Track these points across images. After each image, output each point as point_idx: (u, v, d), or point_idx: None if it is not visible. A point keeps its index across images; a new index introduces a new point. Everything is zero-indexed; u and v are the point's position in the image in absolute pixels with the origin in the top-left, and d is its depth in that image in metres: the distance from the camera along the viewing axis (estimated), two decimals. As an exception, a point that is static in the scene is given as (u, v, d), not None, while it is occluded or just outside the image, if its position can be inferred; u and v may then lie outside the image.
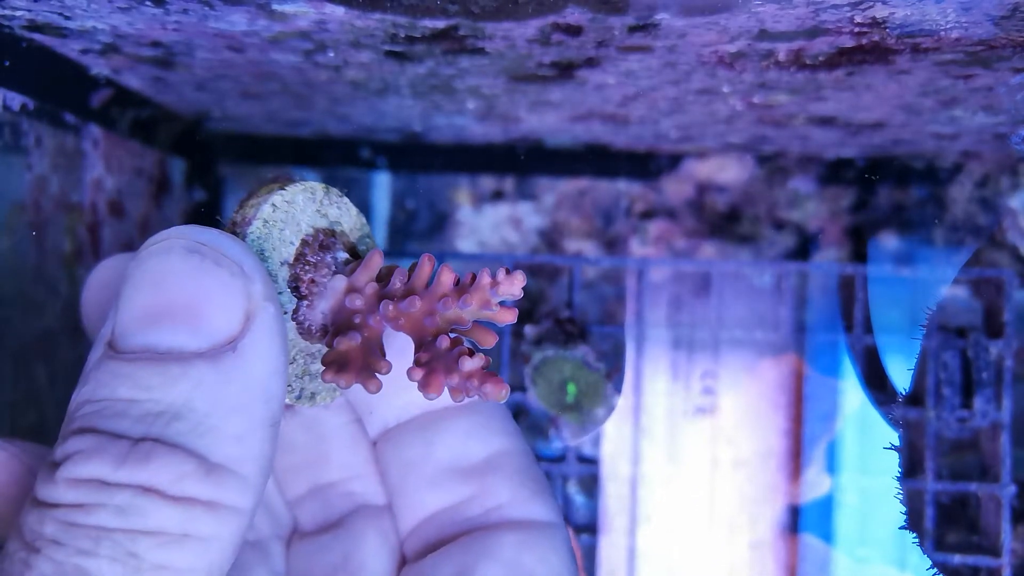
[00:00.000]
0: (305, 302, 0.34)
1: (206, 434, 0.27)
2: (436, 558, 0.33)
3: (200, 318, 0.28)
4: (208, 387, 0.27)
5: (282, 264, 0.33)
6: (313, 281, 0.33)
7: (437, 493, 0.34)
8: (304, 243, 0.33)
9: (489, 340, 0.32)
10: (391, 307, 0.32)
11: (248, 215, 0.33)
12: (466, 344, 0.32)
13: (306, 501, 0.36)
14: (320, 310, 0.34)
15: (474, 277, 0.32)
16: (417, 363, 0.31)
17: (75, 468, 0.26)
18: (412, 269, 0.33)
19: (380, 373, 0.32)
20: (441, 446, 0.34)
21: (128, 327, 0.28)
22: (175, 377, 0.27)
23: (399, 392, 0.35)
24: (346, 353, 0.32)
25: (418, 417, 0.35)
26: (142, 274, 0.28)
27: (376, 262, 0.33)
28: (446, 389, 0.31)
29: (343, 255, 0.34)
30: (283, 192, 0.33)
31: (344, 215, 0.35)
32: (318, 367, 0.34)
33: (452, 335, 0.32)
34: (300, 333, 0.34)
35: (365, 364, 0.32)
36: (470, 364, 0.30)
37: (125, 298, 0.28)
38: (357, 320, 0.33)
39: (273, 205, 0.33)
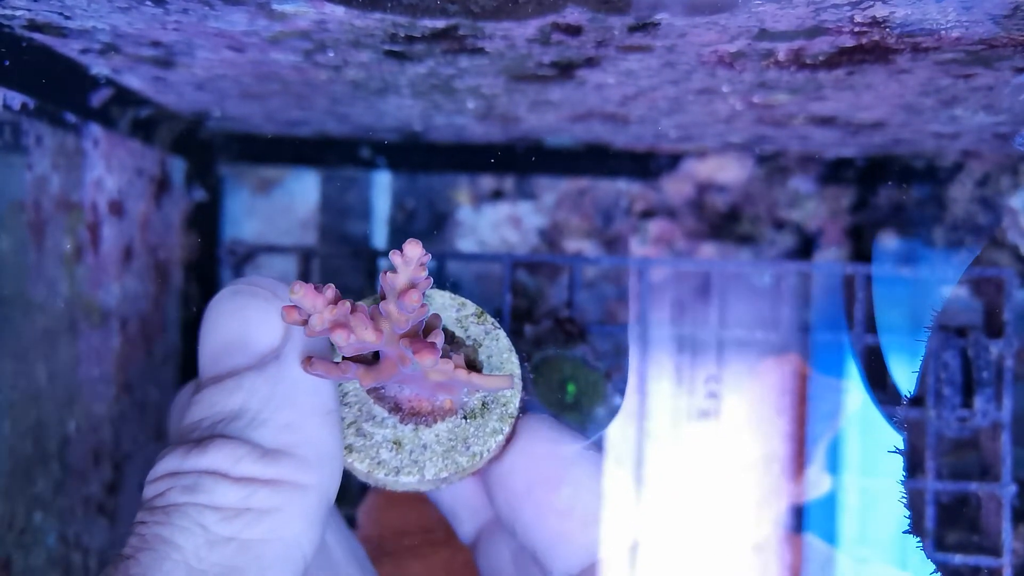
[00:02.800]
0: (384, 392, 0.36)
1: (260, 427, 0.31)
2: None
3: (247, 340, 0.33)
4: (258, 391, 0.32)
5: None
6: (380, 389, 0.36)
7: None
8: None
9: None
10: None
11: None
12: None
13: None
14: (402, 392, 0.36)
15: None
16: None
17: (153, 472, 0.31)
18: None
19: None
20: None
21: (203, 370, 0.34)
22: (231, 390, 0.32)
23: (576, 549, 0.37)
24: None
25: (593, 565, 0.37)
26: (204, 326, 0.34)
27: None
28: None
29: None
30: (432, 291, 0.38)
31: (485, 338, 0.37)
32: (371, 430, 0.36)
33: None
34: (370, 393, 0.36)
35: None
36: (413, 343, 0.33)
37: (201, 347, 0.34)
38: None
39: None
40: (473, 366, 0.36)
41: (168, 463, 0.31)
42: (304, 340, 0.33)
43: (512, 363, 0.37)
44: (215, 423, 0.31)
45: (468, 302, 0.37)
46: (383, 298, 0.33)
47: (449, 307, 0.37)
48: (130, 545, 0.29)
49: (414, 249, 0.32)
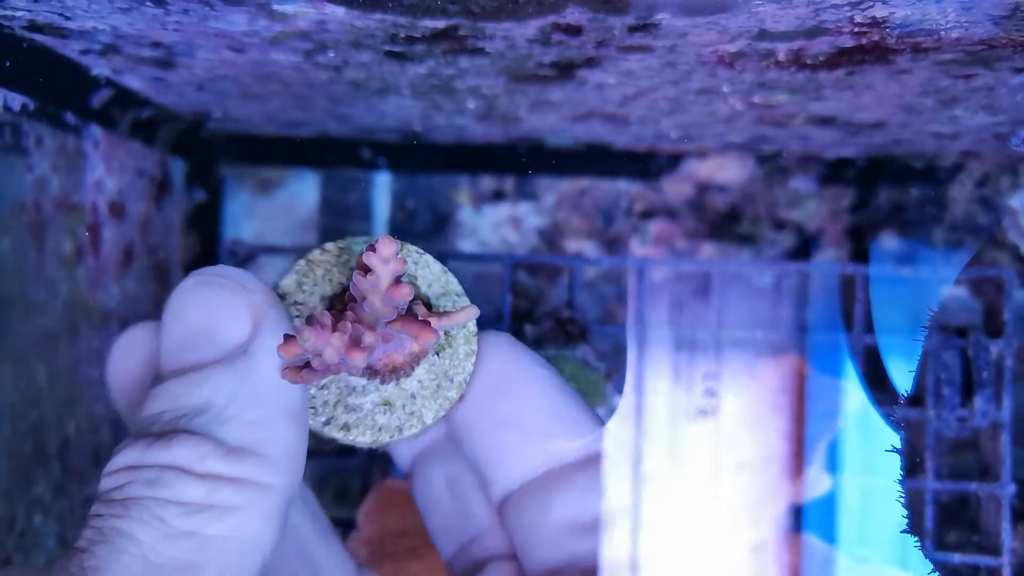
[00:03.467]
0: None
1: (225, 423, 0.30)
2: None
3: (214, 333, 0.32)
4: (224, 386, 0.31)
5: (322, 299, 0.36)
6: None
7: (557, 550, 0.36)
8: (342, 291, 0.36)
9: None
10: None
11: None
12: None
13: (457, 558, 0.40)
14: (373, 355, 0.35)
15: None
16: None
17: (112, 463, 0.30)
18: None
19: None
20: (559, 506, 0.36)
21: (164, 360, 0.32)
22: (196, 383, 0.31)
23: (517, 462, 0.37)
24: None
25: (537, 479, 0.37)
26: (169, 315, 0.33)
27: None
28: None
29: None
30: (339, 241, 0.36)
31: (417, 273, 0.36)
32: (357, 402, 0.35)
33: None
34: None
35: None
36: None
37: (161, 339, 0.33)
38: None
39: (323, 249, 0.36)
40: (427, 303, 0.36)
41: (128, 456, 0.30)
42: (273, 336, 0.32)
43: (454, 282, 0.37)
44: (178, 417, 0.30)
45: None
46: (351, 298, 0.33)
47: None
48: (84, 538, 0.28)
49: (390, 247, 0.31)
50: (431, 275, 0.36)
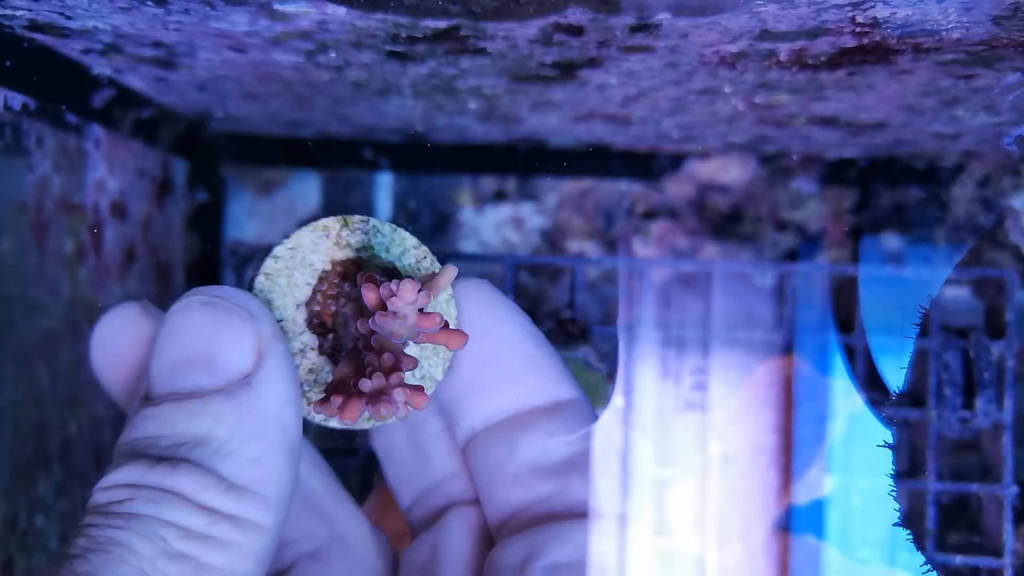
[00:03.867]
0: (332, 335, 0.35)
1: (226, 458, 0.30)
2: (512, 540, 0.35)
3: (217, 360, 0.31)
4: (226, 419, 0.31)
5: (298, 307, 0.35)
6: (335, 313, 0.35)
7: (519, 491, 0.36)
8: (320, 280, 0.35)
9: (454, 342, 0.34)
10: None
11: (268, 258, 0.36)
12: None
13: (415, 506, 0.40)
14: (346, 343, 0.35)
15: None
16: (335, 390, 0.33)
17: (109, 479, 0.29)
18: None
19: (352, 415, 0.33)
20: (524, 447, 0.36)
21: (157, 378, 0.32)
22: (196, 412, 0.30)
23: (485, 400, 0.37)
24: (340, 385, 0.34)
25: (504, 420, 0.37)
26: (167, 331, 0.32)
27: (375, 292, 0.34)
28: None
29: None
30: (285, 241, 0.35)
31: (386, 248, 0.36)
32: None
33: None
34: (333, 361, 0.35)
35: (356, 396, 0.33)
36: (372, 384, 0.32)
37: (155, 355, 0.32)
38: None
39: (275, 257, 0.35)
40: (393, 270, 0.36)
41: (128, 473, 0.29)
42: (278, 370, 0.32)
43: (408, 237, 0.36)
44: (176, 444, 0.30)
45: (328, 220, 0.36)
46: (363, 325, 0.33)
47: (321, 240, 0.35)
48: (77, 545, 0.28)
49: (411, 293, 0.31)
50: (385, 239, 0.36)
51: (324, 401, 0.34)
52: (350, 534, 0.38)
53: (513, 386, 0.36)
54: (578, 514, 0.35)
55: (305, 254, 0.35)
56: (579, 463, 0.36)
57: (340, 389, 0.33)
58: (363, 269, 0.35)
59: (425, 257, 0.36)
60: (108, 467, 0.30)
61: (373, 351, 0.33)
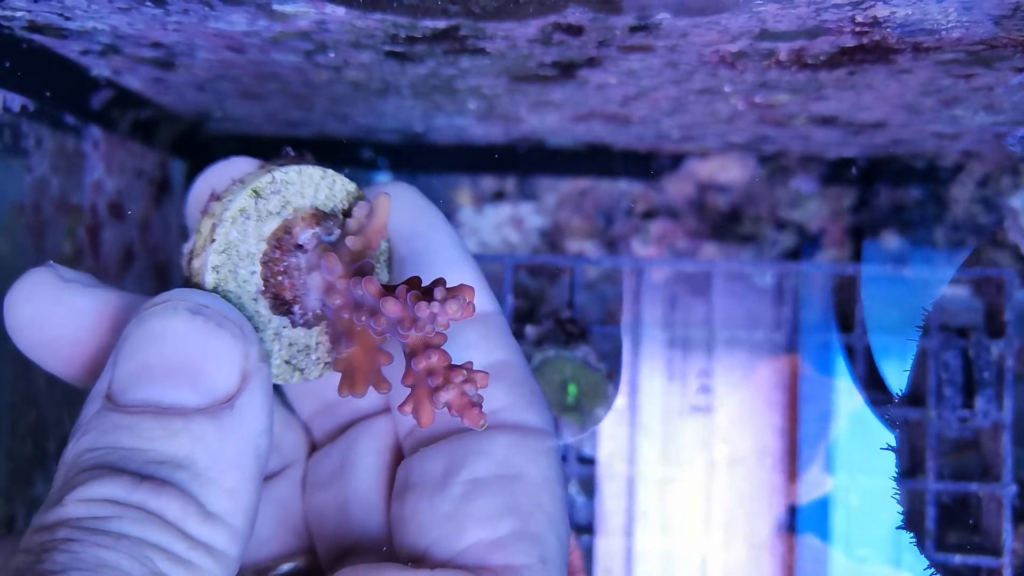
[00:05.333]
0: (297, 306, 0.34)
1: (206, 485, 0.29)
2: (428, 452, 0.34)
3: (201, 376, 0.29)
4: (208, 442, 0.29)
5: (255, 300, 0.34)
6: (292, 286, 0.34)
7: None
8: (264, 264, 0.34)
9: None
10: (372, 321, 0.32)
11: (197, 269, 0.33)
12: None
13: (317, 417, 0.38)
14: (312, 304, 0.34)
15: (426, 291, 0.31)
16: (405, 381, 0.31)
17: (87, 491, 0.27)
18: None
19: (380, 391, 0.32)
20: None
21: (128, 382, 0.30)
22: (177, 431, 0.29)
23: None
24: (350, 363, 0.33)
25: None
26: (144, 332, 0.30)
27: (336, 258, 0.33)
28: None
29: (323, 236, 0.34)
30: (214, 243, 0.33)
31: (300, 193, 0.34)
32: (306, 346, 0.35)
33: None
34: (298, 326, 0.34)
35: (371, 371, 0.32)
36: (446, 396, 0.31)
37: (126, 353, 0.30)
38: (347, 316, 0.33)
39: (213, 269, 0.33)
40: (328, 213, 0.35)
41: (110, 489, 0.28)
42: (260, 395, 0.30)
43: (337, 177, 0.35)
44: (157, 462, 0.28)
45: (241, 199, 0.33)
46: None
47: (248, 220, 0.33)
48: (55, 561, 0.26)
49: (398, 310, 0.30)
50: (297, 187, 0.34)
51: (353, 384, 0.33)
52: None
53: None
54: (496, 426, 0.33)
55: (237, 247, 0.33)
56: (497, 373, 0.34)
57: (356, 372, 0.32)
58: (288, 230, 0.34)
59: (335, 182, 0.35)
60: (73, 473, 0.28)
61: (347, 306, 0.32)
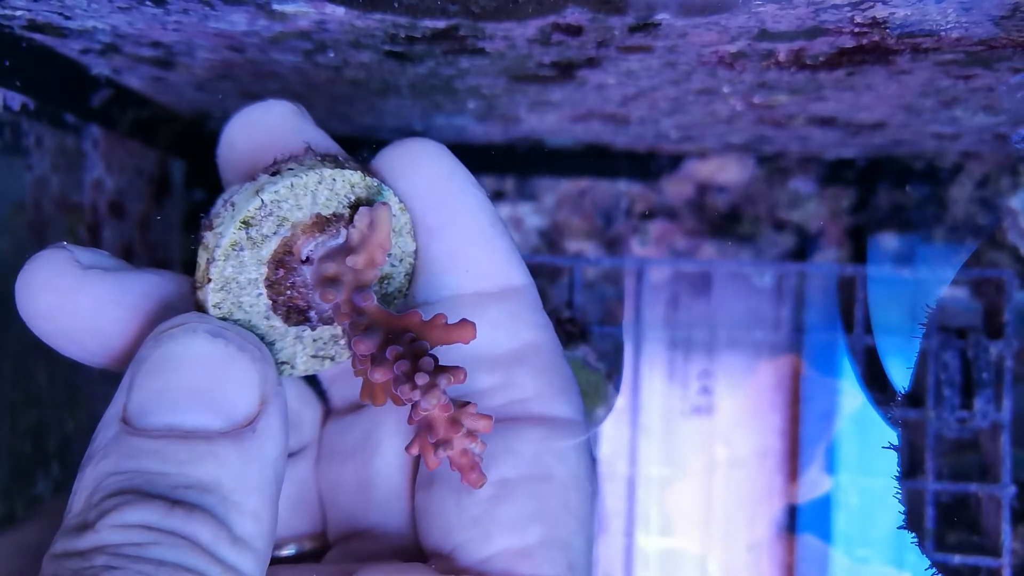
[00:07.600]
0: (312, 311, 0.33)
1: (232, 509, 0.29)
2: None
3: (223, 399, 0.29)
4: (232, 466, 0.29)
5: (268, 318, 0.33)
6: (304, 295, 0.33)
7: None
8: (268, 287, 0.33)
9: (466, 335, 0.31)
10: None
11: (202, 302, 0.32)
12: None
13: (338, 381, 0.37)
14: (327, 307, 0.33)
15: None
16: (409, 422, 0.31)
17: (121, 516, 0.27)
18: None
19: (399, 404, 0.32)
20: None
21: (148, 406, 0.29)
22: (202, 455, 0.29)
23: (429, 274, 0.34)
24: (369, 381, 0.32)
25: (446, 300, 0.34)
26: (163, 355, 0.30)
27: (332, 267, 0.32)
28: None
29: (328, 242, 0.33)
30: (211, 283, 0.32)
31: (297, 206, 0.33)
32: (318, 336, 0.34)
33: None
34: (318, 327, 0.34)
35: (388, 386, 0.32)
36: (445, 454, 0.30)
37: (143, 377, 0.30)
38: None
39: (215, 307, 0.32)
40: (327, 221, 0.33)
41: (143, 515, 0.28)
42: (279, 417, 0.30)
43: (323, 174, 0.33)
44: (185, 487, 0.28)
45: (233, 233, 0.32)
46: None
47: (245, 249, 0.32)
48: None
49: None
50: (290, 203, 0.32)
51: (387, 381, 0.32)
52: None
53: (461, 263, 0.34)
54: (524, 418, 0.33)
55: (237, 279, 0.32)
56: (525, 356, 0.33)
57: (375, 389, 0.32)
58: (289, 250, 0.32)
59: (335, 180, 0.33)
60: (92, 496, 0.28)
61: (356, 308, 0.32)
